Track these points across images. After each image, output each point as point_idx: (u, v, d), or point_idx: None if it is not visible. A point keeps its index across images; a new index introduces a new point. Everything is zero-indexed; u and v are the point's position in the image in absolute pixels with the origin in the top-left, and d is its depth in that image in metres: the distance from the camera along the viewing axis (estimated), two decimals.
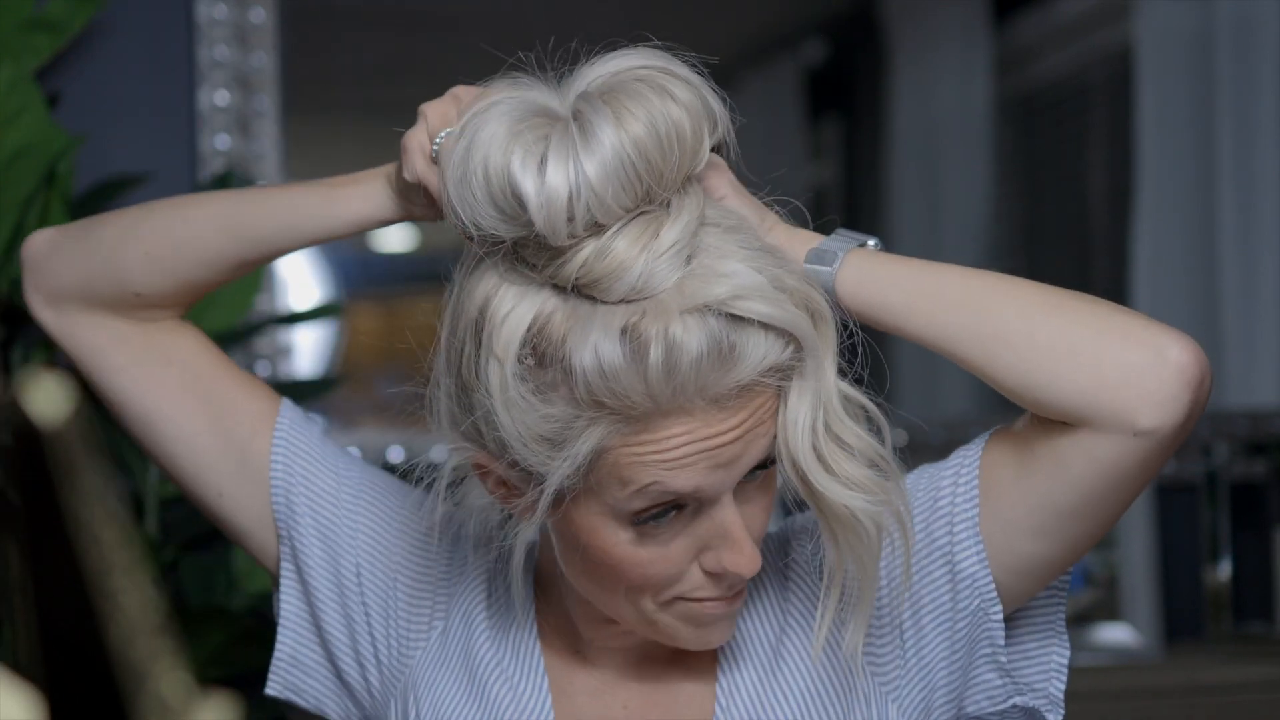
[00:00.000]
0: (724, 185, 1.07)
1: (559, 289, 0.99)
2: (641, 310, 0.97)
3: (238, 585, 1.93)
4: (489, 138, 0.98)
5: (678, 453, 0.99)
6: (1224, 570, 2.40)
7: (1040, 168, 2.85)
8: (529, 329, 0.99)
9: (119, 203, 2.08)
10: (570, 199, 0.96)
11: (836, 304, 1.05)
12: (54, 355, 1.93)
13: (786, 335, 1.00)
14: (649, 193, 0.98)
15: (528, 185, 0.96)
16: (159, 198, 2.06)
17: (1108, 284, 2.78)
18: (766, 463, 1.03)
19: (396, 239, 2.52)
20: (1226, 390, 2.63)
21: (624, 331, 0.97)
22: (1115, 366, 1.05)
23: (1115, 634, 2.30)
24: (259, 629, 1.88)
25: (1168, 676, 2.22)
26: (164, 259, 1.17)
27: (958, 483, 1.13)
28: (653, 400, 0.97)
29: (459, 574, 1.19)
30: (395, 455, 2.06)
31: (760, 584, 1.14)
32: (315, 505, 1.19)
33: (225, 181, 2.01)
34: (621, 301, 0.98)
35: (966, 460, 1.14)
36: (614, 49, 1.01)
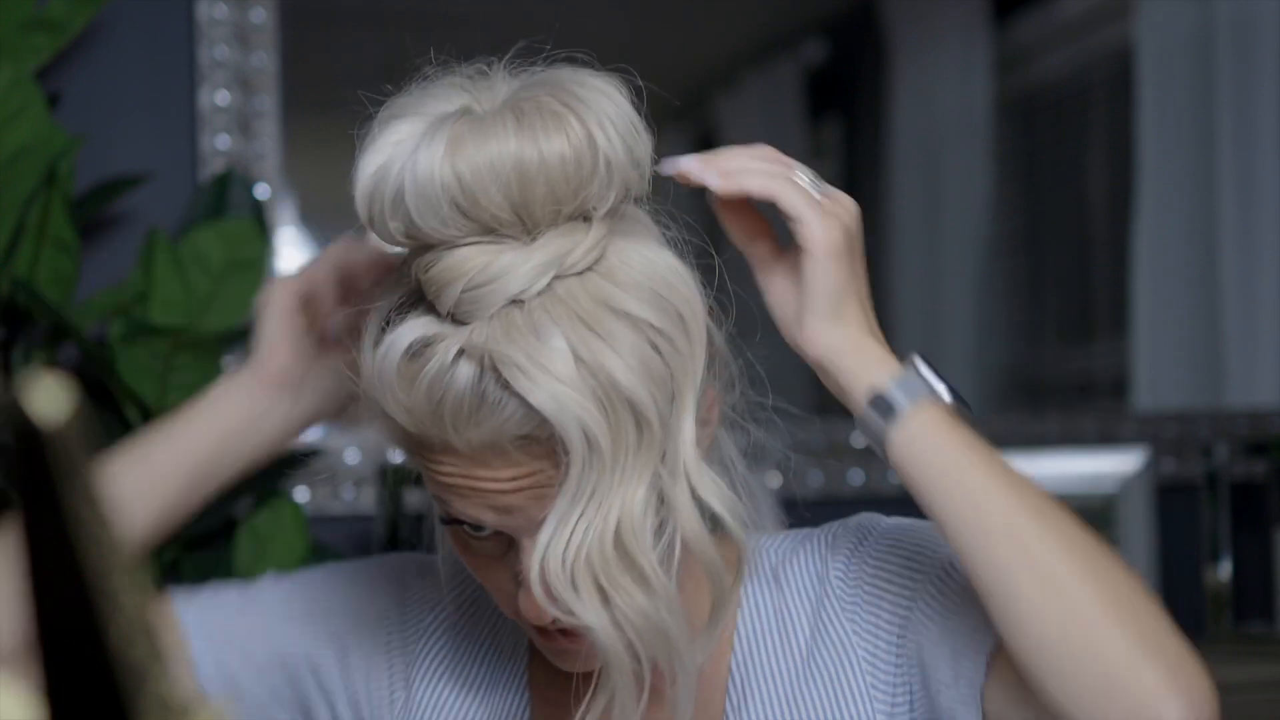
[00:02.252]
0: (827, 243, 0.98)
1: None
2: (451, 330, 0.95)
3: None
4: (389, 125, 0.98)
5: (449, 480, 0.97)
6: (1224, 570, 2.40)
7: (1040, 168, 2.85)
8: (389, 308, 0.99)
9: (119, 203, 2.08)
10: (383, 206, 0.95)
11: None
12: (55, 356, 1.93)
13: (549, 426, 0.93)
14: (485, 224, 0.94)
15: (360, 175, 0.97)
16: (159, 198, 2.08)
17: (1108, 284, 2.78)
18: None
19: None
20: (1226, 390, 2.63)
21: (419, 340, 0.95)
22: (1124, 698, 0.93)
23: None
24: None
25: None
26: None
27: (957, 686, 1.03)
28: (412, 420, 0.95)
29: (414, 636, 1.15)
30: (396, 455, 2.06)
31: (791, 611, 1.11)
32: (260, 668, 1.13)
33: (225, 181, 2.01)
34: (449, 316, 0.95)
35: (967, 677, 1.02)
36: (573, 62, 0.98)
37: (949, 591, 1.04)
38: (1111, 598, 0.94)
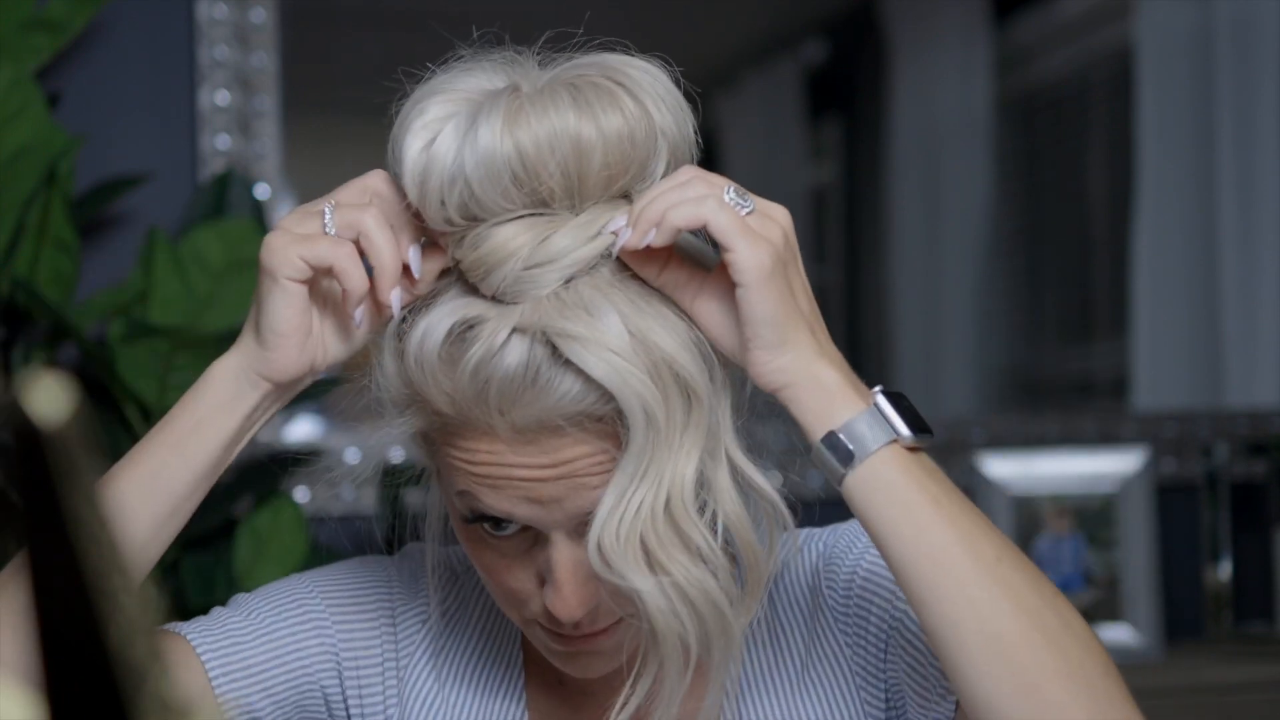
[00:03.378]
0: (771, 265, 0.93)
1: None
2: (497, 312, 0.93)
3: (239, 585, 1.93)
4: (422, 104, 0.96)
5: (484, 470, 0.95)
6: (1224, 570, 2.40)
7: (1040, 168, 2.85)
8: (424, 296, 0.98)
9: (119, 203, 2.08)
10: (441, 182, 0.93)
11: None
12: (55, 355, 1.93)
13: (609, 397, 0.92)
14: (540, 197, 0.93)
15: (408, 154, 0.94)
16: (159, 198, 2.08)
17: (1108, 284, 2.78)
18: None
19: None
20: (1226, 390, 2.63)
21: (460, 323, 0.94)
22: None
23: (1115, 634, 2.30)
24: None
25: (1168, 676, 2.22)
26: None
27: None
28: (453, 405, 0.94)
29: (406, 650, 1.13)
30: (396, 455, 2.06)
31: (784, 622, 1.10)
32: (279, 700, 1.10)
33: (225, 181, 2.01)
34: (493, 298, 0.94)
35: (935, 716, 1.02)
36: (611, 49, 0.98)
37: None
38: (1065, 662, 0.90)
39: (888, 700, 1.06)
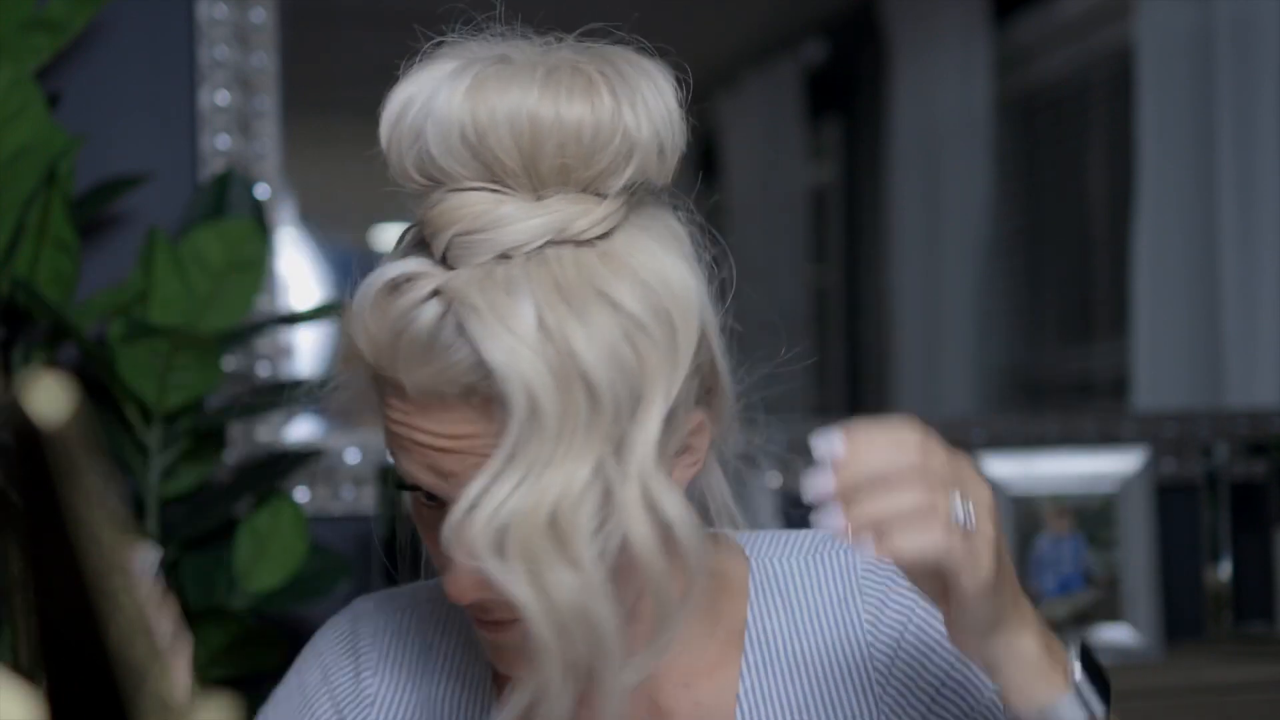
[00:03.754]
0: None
1: None
2: (434, 272, 0.94)
3: (238, 585, 1.93)
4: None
5: (397, 430, 0.95)
6: (1224, 570, 2.40)
7: (1040, 168, 2.85)
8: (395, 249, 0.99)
9: (119, 202, 2.08)
10: (404, 133, 0.94)
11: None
12: (55, 355, 1.93)
13: (494, 382, 0.91)
14: (494, 172, 0.93)
15: (391, 98, 0.95)
16: (159, 198, 2.07)
17: (1108, 284, 2.78)
18: None
19: (396, 237, 2.52)
20: (1226, 390, 2.63)
21: (402, 276, 0.95)
22: None
23: (1115, 634, 2.30)
24: (259, 629, 1.88)
25: (1168, 676, 2.21)
26: None
27: None
28: (373, 354, 0.95)
29: (367, 701, 1.12)
30: None
31: (805, 638, 1.07)
32: None
33: (225, 181, 2.01)
34: (440, 260, 0.95)
35: None
36: (634, 46, 0.98)
37: (988, 700, 1.04)
38: None
39: None
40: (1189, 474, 2.50)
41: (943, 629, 0.99)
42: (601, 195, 0.95)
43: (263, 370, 2.15)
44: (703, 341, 0.97)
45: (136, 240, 2.00)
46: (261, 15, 2.16)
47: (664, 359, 0.93)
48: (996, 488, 2.33)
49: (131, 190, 2.02)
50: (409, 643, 1.13)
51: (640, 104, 0.94)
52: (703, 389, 0.98)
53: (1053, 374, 2.87)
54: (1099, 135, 2.81)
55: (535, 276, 0.92)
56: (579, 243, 0.94)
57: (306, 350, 2.29)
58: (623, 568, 0.94)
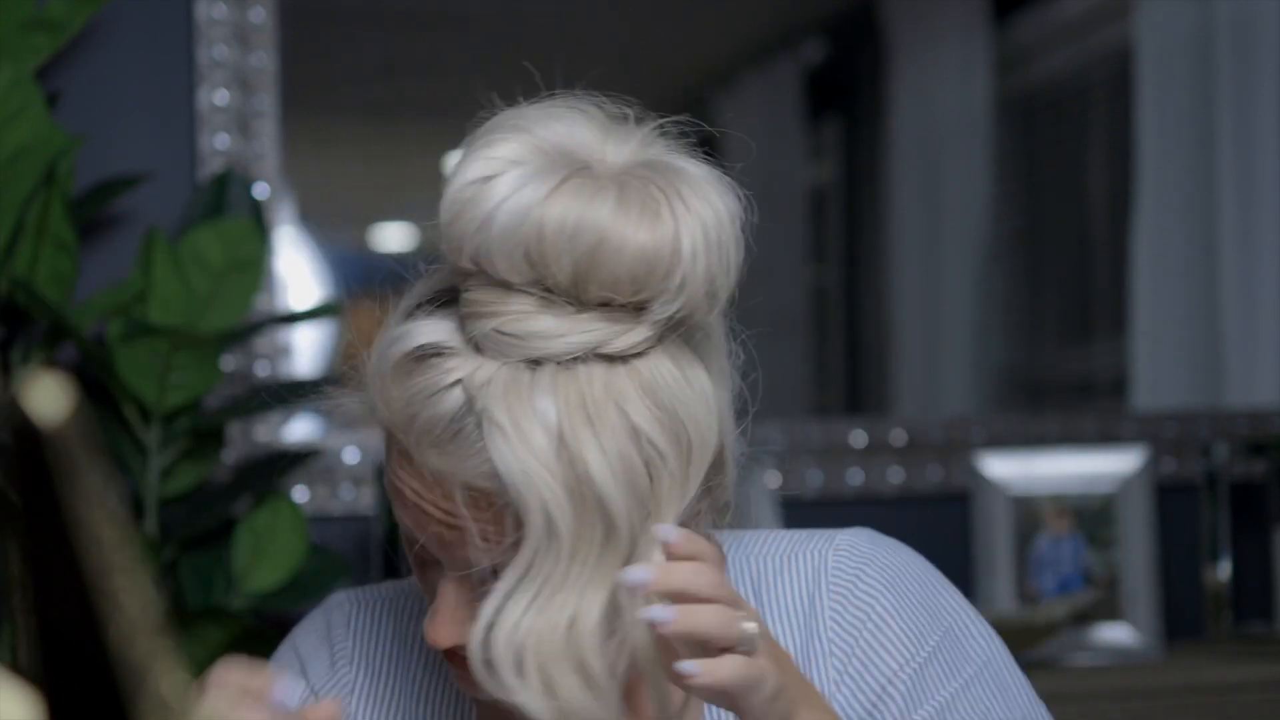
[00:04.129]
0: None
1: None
2: (464, 354, 0.94)
3: (237, 585, 1.93)
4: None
5: (400, 485, 0.96)
6: (1224, 570, 2.40)
7: (1040, 168, 2.85)
8: (427, 291, 0.99)
9: (119, 202, 2.08)
10: (470, 224, 0.93)
11: None
12: (54, 355, 1.93)
13: (506, 494, 0.92)
14: (545, 283, 0.93)
15: (457, 180, 0.94)
16: (158, 197, 2.07)
17: (1108, 284, 2.78)
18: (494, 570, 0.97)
19: (396, 237, 2.52)
20: (1226, 390, 2.63)
21: (431, 346, 0.94)
22: None
23: (1115, 634, 2.30)
24: (259, 629, 1.88)
25: (1167, 676, 2.21)
26: None
27: None
28: (386, 415, 0.96)
29: (345, 688, 1.13)
30: None
31: (775, 632, 1.08)
32: None
33: (224, 181, 2.01)
34: (470, 340, 0.95)
35: None
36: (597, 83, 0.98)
37: (929, 680, 1.04)
38: None
39: None
40: (1189, 474, 2.50)
41: (902, 626, 1.03)
42: (641, 311, 0.95)
43: (262, 370, 2.15)
44: (717, 460, 0.98)
45: (135, 240, 2.00)
46: (261, 15, 2.16)
47: (675, 484, 0.95)
48: (997, 488, 2.33)
49: (131, 190, 2.02)
50: (385, 636, 1.14)
51: (700, 239, 0.94)
52: (706, 488, 0.99)
53: (1053, 374, 2.87)
54: (1099, 135, 2.81)
55: (562, 390, 0.93)
56: (611, 359, 0.94)
57: (305, 350, 2.29)
58: (631, 675, 0.96)
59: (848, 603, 1.07)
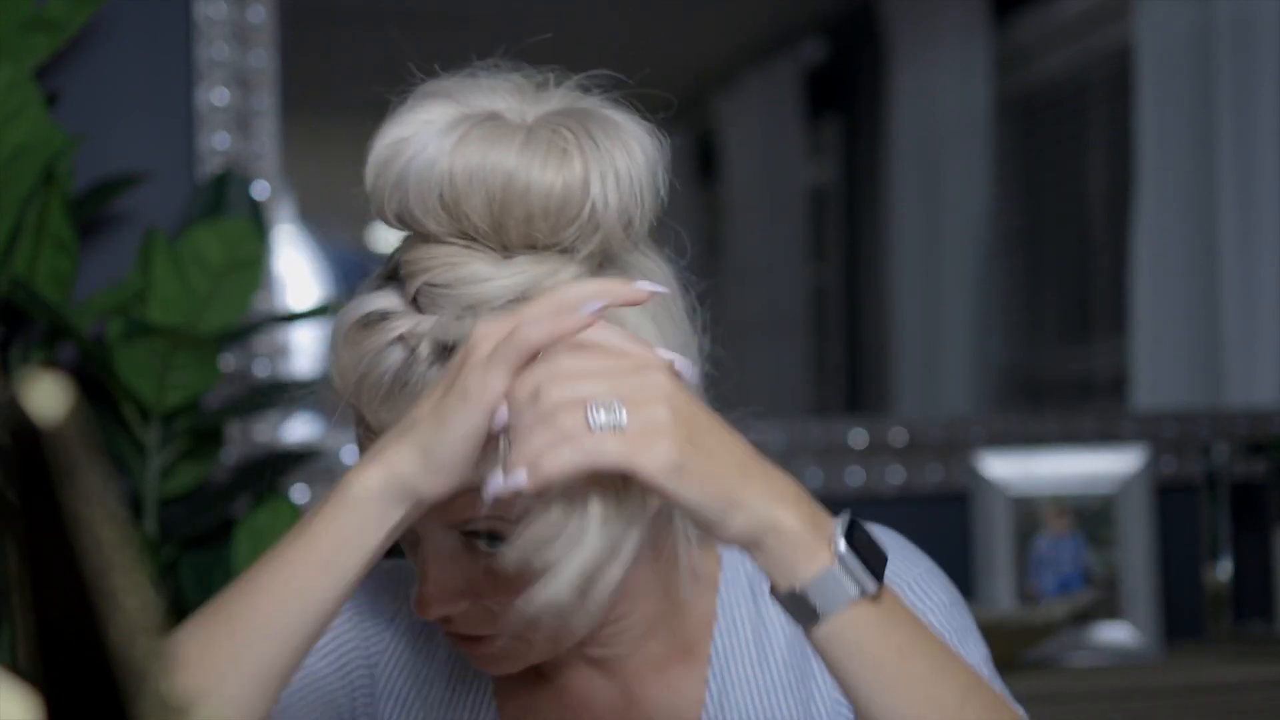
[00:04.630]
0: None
1: None
2: (405, 314, 0.97)
3: None
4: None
5: (365, 450, 0.98)
6: (1224, 570, 2.40)
7: (1040, 168, 2.85)
8: (375, 275, 1.03)
9: (118, 202, 2.08)
10: (389, 180, 0.96)
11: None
12: (53, 355, 1.93)
13: None
14: (465, 230, 0.95)
15: (379, 140, 0.97)
16: (158, 197, 2.07)
17: (1108, 284, 2.78)
18: (487, 534, 0.97)
19: (396, 238, 2.52)
20: (1226, 390, 2.63)
21: (377, 312, 0.97)
22: None
23: (1115, 634, 2.30)
24: None
25: (1168, 676, 2.21)
26: None
27: None
28: (341, 382, 0.98)
29: (378, 657, 1.13)
30: None
31: (768, 624, 1.10)
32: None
33: (223, 181, 2.01)
34: (412, 300, 0.97)
35: None
36: (636, 97, 0.99)
37: None
38: None
39: None
40: (1189, 474, 2.50)
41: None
42: (569, 253, 0.96)
43: (261, 369, 2.15)
44: None
45: (135, 239, 2.00)
46: (260, 14, 2.15)
47: None
48: (997, 487, 2.33)
49: (130, 189, 2.02)
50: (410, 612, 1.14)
51: (610, 177, 0.95)
52: None
53: (1053, 374, 2.87)
54: (1099, 135, 2.81)
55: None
56: None
57: (305, 349, 2.29)
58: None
59: None
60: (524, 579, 0.92)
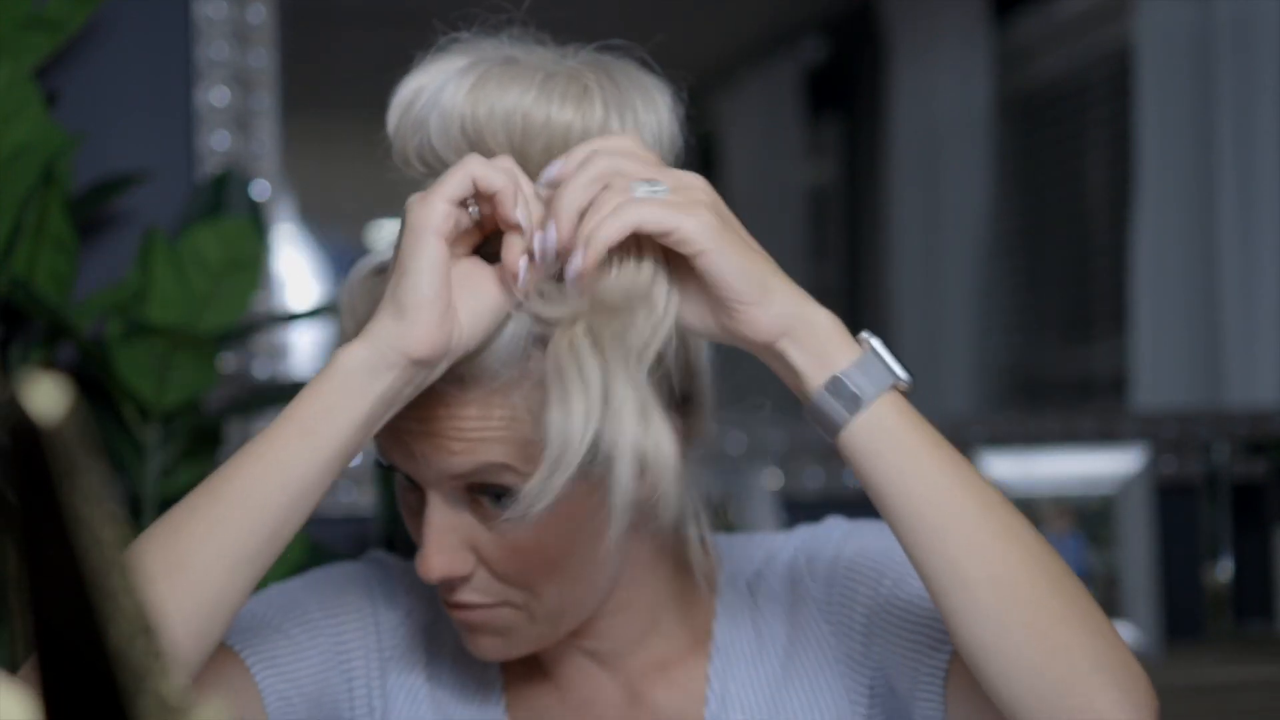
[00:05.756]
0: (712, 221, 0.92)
1: None
2: None
3: None
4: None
5: (383, 430, 0.98)
6: (1224, 570, 2.40)
7: (1040, 168, 2.85)
8: None
9: (117, 201, 2.08)
10: (410, 122, 0.97)
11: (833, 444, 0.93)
12: (53, 355, 1.93)
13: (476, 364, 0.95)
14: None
15: (403, 85, 0.98)
16: (157, 197, 2.07)
17: (1108, 284, 2.78)
18: (494, 491, 0.97)
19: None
20: (1226, 390, 2.63)
21: (388, 262, 0.98)
22: (1080, 706, 0.89)
23: None
24: None
25: (1168, 676, 2.21)
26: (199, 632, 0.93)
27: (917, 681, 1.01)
28: (355, 334, 0.97)
29: (389, 645, 1.13)
30: None
31: (765, 616, 1.11)
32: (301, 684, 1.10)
33: (223, 181, 2.01)
34: None
35: (927, 677, 1.01)
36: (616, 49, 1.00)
37: (911, 594, 1.03)
38: (1068, 605, 0.90)
39: (872, 688, 1.07)
40: (1189, 474, 2.50)
41: (874, 555, 1.04)
42: None
43: (260, 369, 2.15)
44: (686, 363, 1.01)
45: (134, 239, 2.00)
46: (260, 14, 2.15)
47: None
48: (997, 487, 2.33)
49: (129, 189, 2.02)
50: (426, 599, 1.15)
51: (630, 116, 0.97)
52: (678, 393, 1.00)
53: (1053, 373, 2.87)
54: (1099, 135, 2.81)
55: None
56: None
57: (304, 349, 2.29)
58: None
59: (819, 561, 1.09)
60: (526, 543, 0.94)
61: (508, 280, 0.93)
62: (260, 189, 2.13)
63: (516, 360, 0.95)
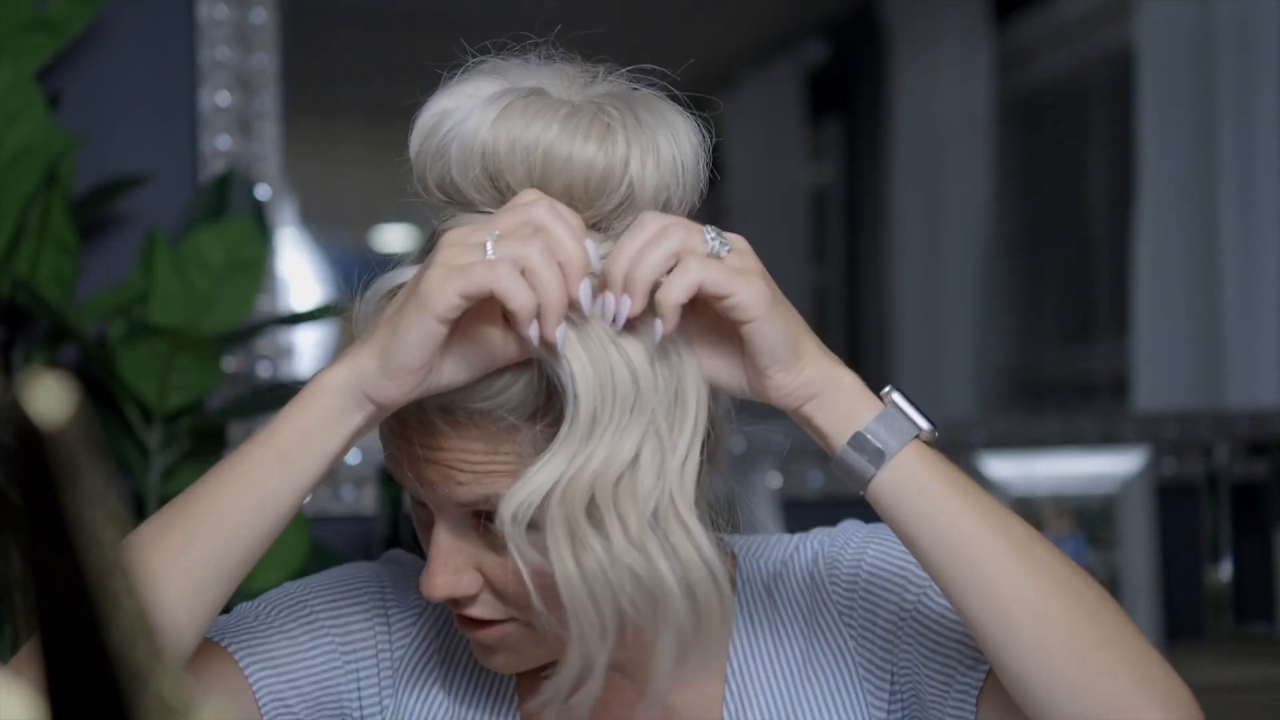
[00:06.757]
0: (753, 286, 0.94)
1: None
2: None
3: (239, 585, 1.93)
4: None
5: (390, 434, 0.99)
6: (1224, 570, 2.40)
7: (1040, 168, 2.85)
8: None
9: (120, 203, 2.08)
10: (431, 149, 0.97)
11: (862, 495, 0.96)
12: (55, 356, 1.93)
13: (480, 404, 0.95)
14: (505, 201, 0.95)
15: (426, 110, 0.98)
16: (159, 198, 2.08)
17: (1108, 284, 2.78)
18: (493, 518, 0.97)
19: (397, 238, 2.52)
20: (1226, 390, 2.63)
21: (404, 288, 0.96)
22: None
23: None
24: None
25: None
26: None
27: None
28: None
29: (400, 643, 1.13)
30: None
31: (784, 617, 1.11)
32: (298, 684, 1.09)
33: (225, 182, 2.01)
34: None
35: (959, 691, 1.02)
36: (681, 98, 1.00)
37: (942, 606, 1.04)
38: (1105, 631, 0.93)
39: (892, 692, 1.07)
40: (1189, 474, 2.50)
41: (898, 562, 1.04)
42: (602, 230, 0.97)
43: (263, 371, 2.15)
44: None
45: (137, 241, 2.00)
46: (262, 16, 2.16)
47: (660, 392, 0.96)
48: (997, 488, 2.33)
49: (132, 191, 2.02)
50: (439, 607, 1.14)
51: (651, 155, 0.96)
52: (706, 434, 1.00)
53: (1053, 374, 2.87)
54: (1099, 135, 2.82)
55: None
56: None
57: (307, 351, 2.29)
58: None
59: (840, 567, 1.09)
60: (532, 568, 0.94)
61: (522, 333, 0.93)
62: (262, 190, 2.13)
63: (528, 407, 0.95)
